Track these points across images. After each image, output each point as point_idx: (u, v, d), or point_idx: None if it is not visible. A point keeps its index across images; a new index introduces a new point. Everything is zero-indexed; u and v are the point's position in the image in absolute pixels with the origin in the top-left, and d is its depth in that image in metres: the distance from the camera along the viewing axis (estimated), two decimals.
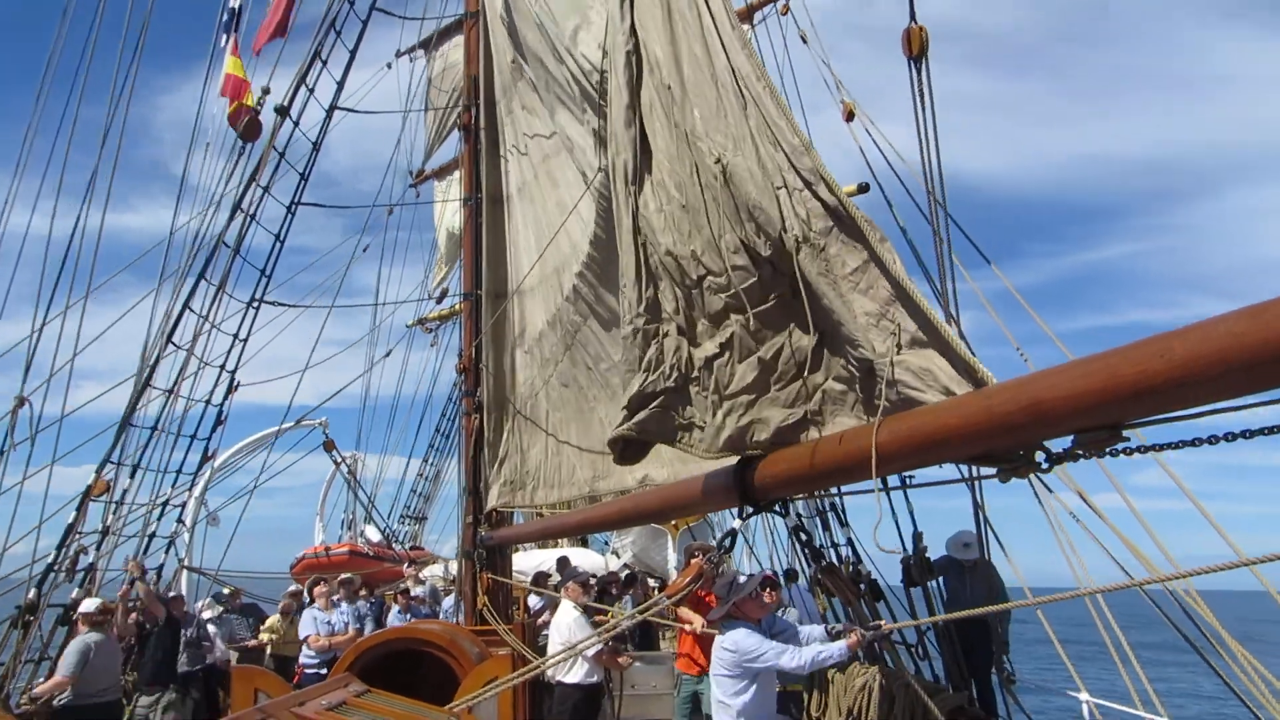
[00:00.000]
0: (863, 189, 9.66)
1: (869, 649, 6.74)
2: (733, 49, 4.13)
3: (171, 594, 10.33)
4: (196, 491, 13.34)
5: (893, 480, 5.73)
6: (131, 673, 9.35)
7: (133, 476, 10.18)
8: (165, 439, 10.36)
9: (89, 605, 8.30)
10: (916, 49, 5.95)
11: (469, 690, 6.52)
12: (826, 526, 8.35)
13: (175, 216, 11.36)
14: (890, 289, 3.50)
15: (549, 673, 7.91)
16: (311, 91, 10.91)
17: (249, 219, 10.48)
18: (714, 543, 11.86)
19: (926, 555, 7.86)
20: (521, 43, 9.01)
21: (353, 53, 11.38)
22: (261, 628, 11.66)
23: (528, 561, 16.87)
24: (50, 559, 9.34)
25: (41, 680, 8.39)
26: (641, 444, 4.50)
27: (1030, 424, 2.77)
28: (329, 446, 14.81)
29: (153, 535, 10.32)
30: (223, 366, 10.69)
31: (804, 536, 6.52)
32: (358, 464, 23.59)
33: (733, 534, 5.01)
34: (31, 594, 9.08)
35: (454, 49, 16.56)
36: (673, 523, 19.31)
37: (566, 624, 8.11)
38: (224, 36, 12.01)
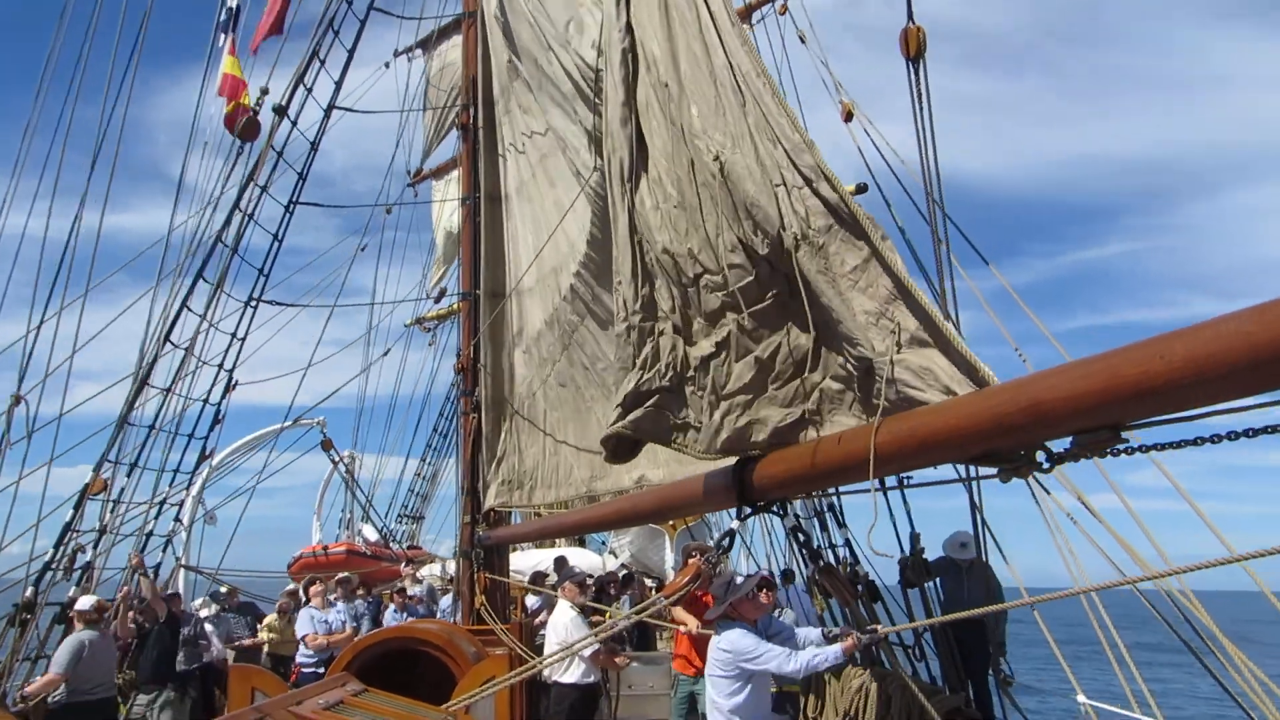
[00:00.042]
0: (861, 189, 9.66)
1: (866, 650, 6.75)
2: (732, 46, 4.12)
3: (169, 592, 10.33)
4: (194, 490, 13.33)
5: (890, 480, 5.74)
6: (128, 671, 9.34)
7: (130, 475, 10.17)
8: (163, 438, 10.35)
9: (85, 603, 8.29)
10: (914, 50, 5.95)
11: (466, 690, 6.52)
12: (824, 527, 8.35)
13: (174, 215, 11.35)
14: (890, 288, 3.48)
15: (546, 672, 7.92)
16: (310, 91, 10.90)
17: (247, 218, 10.46)
18: (712, 543, 11.86)
19: (924, 556, 7.88)
20: (516, 42, 9.02)
21: (351, 52, 11.36)
22: (261, 625, 11.66)
23: (525, 561, 16.87)
24: (47, 557, 9.33)
25: (35, 679, 8.37)
26: (633, 442, 4.49)
27: (1030, 425, 2.77)
28: (327, 445, 14.80)
29: (150, 534, 10.30)
30: (220, 365, 10.68)
31: (802, 537, 6.52)
32: (355, 463, 23.57)
33: (731, 534, 5.01)
34: (29, 592, 9.07)
35: (452, 48, 16.54)
36: (670, 523, 19.31)
37: (563, 624, 8.11)
38: (222, 36, 12.01)
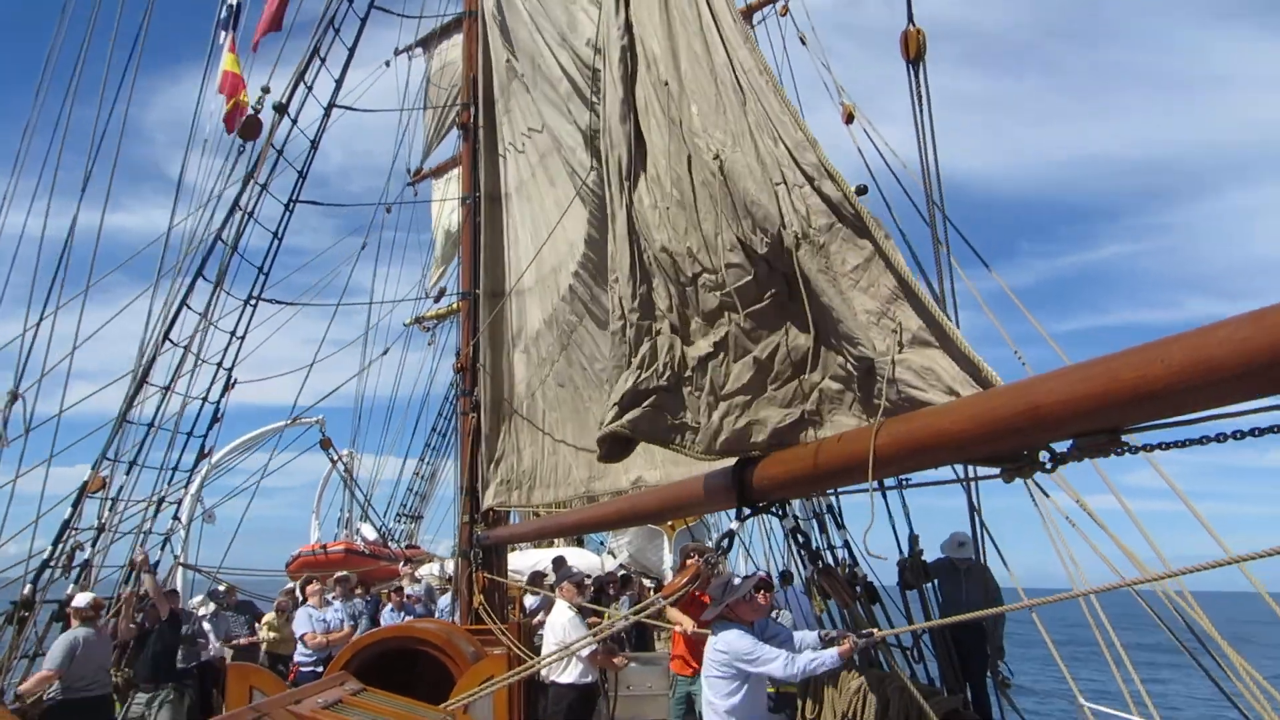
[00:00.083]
0: (861, 191, 9.64)
1: (864, 652, 6.75)
2: (734, 43, 4.10)
3: (167, 589, 10.32)
4: (192, 489, 13.33)
5: (889, 481, 5.74)
6: (126, 669, 9.33)
7: (129, 473, 10.17)
8: (162, 436, 10.35)
9: (81, 600, 8.29)
10: (914, 52, 5.95)
11: (464, 689, 6.53)
12: (823, 528, 8.35)
13: (173, 213, 11.35)
14: (892, 287, 3.47)
15: (544, 672, 7.92)
16: (310, 89, 10.90)
17: (247, 216, 10.46)
18: (711, 544, 11.86)
19: (922, 558, 7.88)
20: (514, 40, 9.02)
21: (351, 51, 11.36)
22: (260, 624, 11.66)
23: (523, 561, 16.87)
24: (46, 555, 9.33)
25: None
26: (626, 441, 4.47)
27: (1029, 428, 2.77)
28: (325, 444, 14.81)
29: (148, 532, 10.30)
30: (219, 364, 10.68)
31: (801, 538, 6.52)
32: (354, 462, 23.58)
33: (730, 535, 5.01)
34: (27, 589, 9.07)
35: (452, 47, 16.56)
36: (669, 524, 19.32)
37: (561, 624, 8.11)
38: (222, 33, 12.00)
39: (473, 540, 10.60)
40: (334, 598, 11.47)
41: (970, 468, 4.05)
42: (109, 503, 9.97)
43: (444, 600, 12.84)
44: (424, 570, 16.31)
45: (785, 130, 3.80)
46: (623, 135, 4.49)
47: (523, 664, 7.20)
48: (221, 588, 12.19)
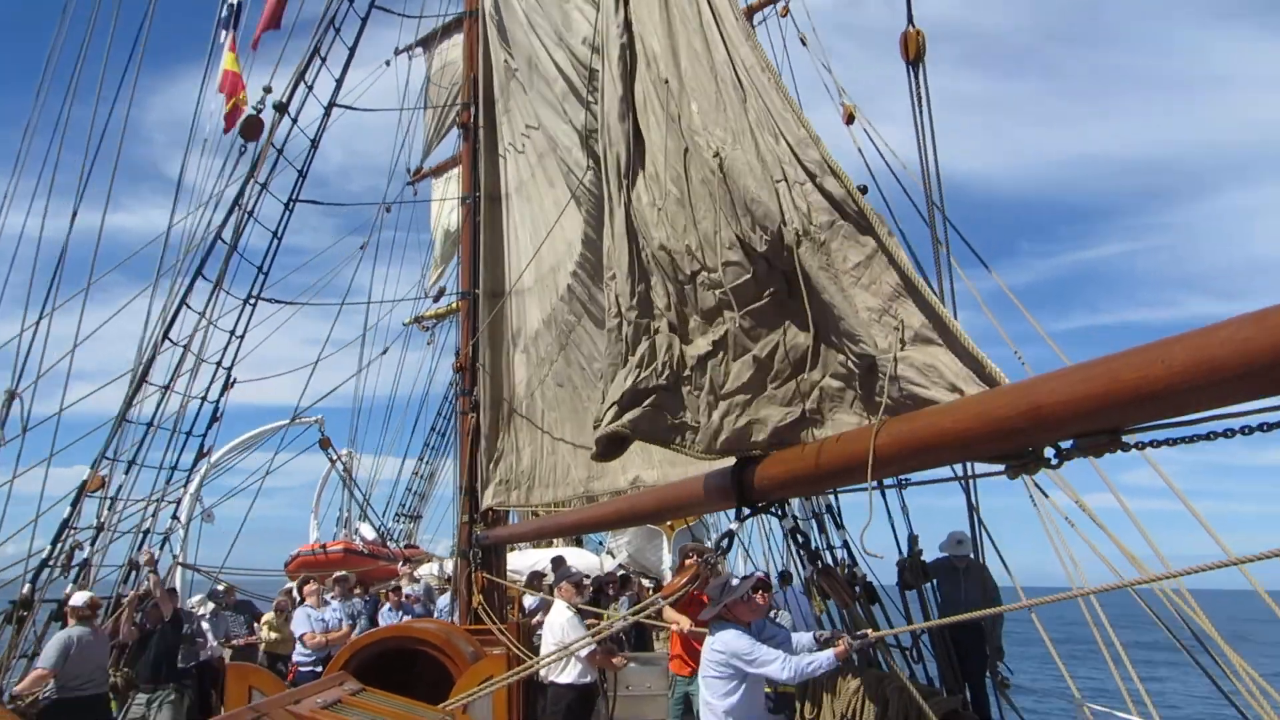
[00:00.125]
0: (860, 191, 9.63)
1: (863, 652, 6.75)
2: (736, 41, 4.09)
3: (165, 588, 10.31)
4: (191, 488, 13.33)
5: (889, 479, 5.74)
6: (126, 668, 9.32)
7: (127, 472, 10.17)
8: (161, 435, 10.35)
9: (78, 599, 8.29)
10: (914, 53, 5.94)
11: (464, 689, 6.53)
12: (822, 529, 8.36)
13: (173, 213, 11.34)
14: (894, 284, 3.45)
15: (543, 673, 7.92)
16: (310, 89, 10.90)
17: (247, 215, 10.46)
18: (711, 544, 11.85)
19: (921, 558, 7.88)
20: (511, 40, 9.02)
21: (352, 50, 11.36)
22: (260, 624, 11.66)
23: (523, 561, 16.87)
24: (45, 554, 9.32)
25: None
26: (621, 440, 4.46)
27: (1030, 428, 2.76)
28: (325, 444, 14.81)
29: (147, 531, 10.30)
30: (219, 363, 10.67)
31: (800, 538, 6.51)
32: (353, 462, 23.58)
33: (730, 535, 5.01)
34: (26, 589, 9.06)
35: (453, 47, 16.55)
36: (668, 524, 19.32)
37: (560, 624, 8.11)
38: (223, 32, 12.00)
39: (472, 540, 10.60)
40: (332, 597, 11.48)
41: (968, 465, 4.05)
42: (108, 502, 9.97)
43: (443, 600, 12.85)
44: (423, 570, 16.32)
45: (787, 127, 3.78)
46: (621, 133, 4.49)
47: (522, 664, 7.20)
48: (220, 587, 12.19)
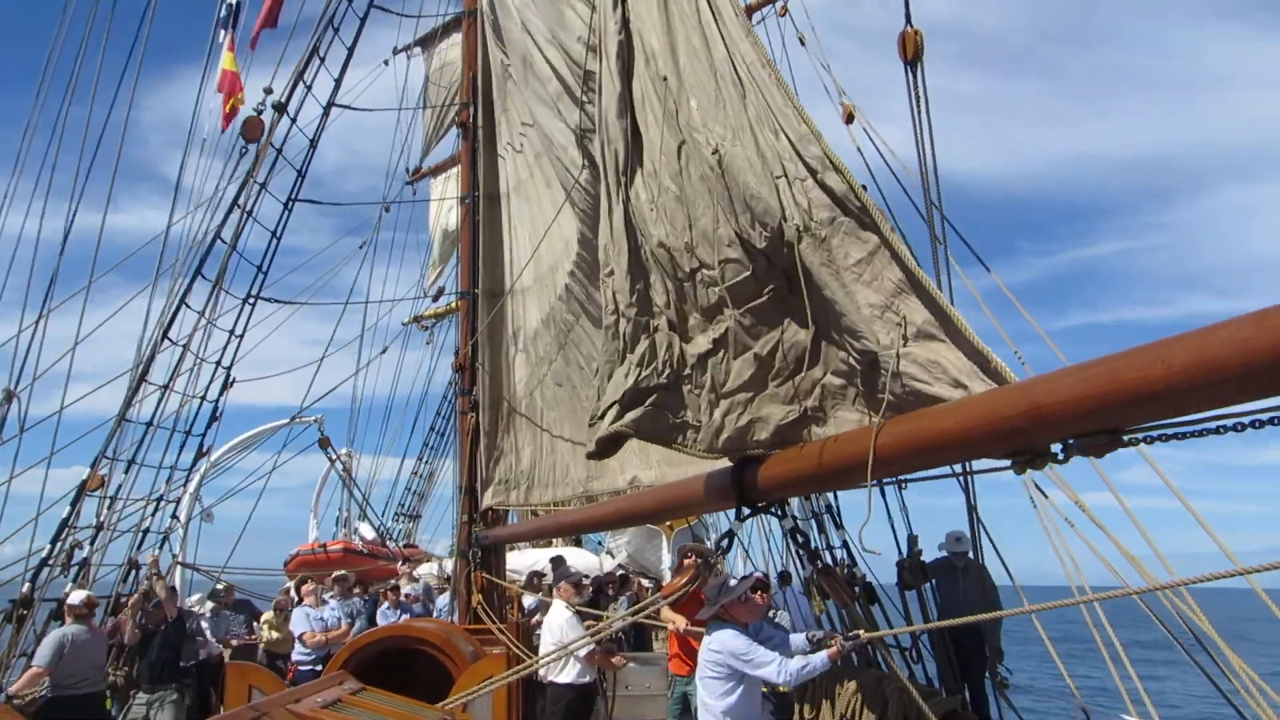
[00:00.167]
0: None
1: (862, 652, 6.75)
2: (737, 37, 4.07)
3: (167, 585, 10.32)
4: (191, 488, 13.33)
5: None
6: (124, 666, 9.33)
7: (127, 472, 10.17)
8: (160, 435, 10.35)
9: (75, 598, 8.29)
10: (912, 53, 5.94)
11: (463, 689, 6.53)
12: (822, 529, 8.36)
13: (172, 212, 11.33)
14: (896, 281, 3.44)
15: (542, 672, 7.92)
16: (309, 89, 10.90)
17: (246, 215, 10.45)
18: (711, 544, 11.84)
19: (921, 558, 7.89)
20: (507, 41, 9.03)
21: (351, 50, 11.35)
22: (259, 622, 11.66)
23: (522, 561, 16.87)
24: (44, 553, 9.33)
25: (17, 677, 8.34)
26: (618, 438, 4.45)
27: (1031, 429, 2.76)
28: (324, 443, 14.81)
29: (147, 531, 10.30)
30: (218, 362, 10.67)
31: (800, 538, 6.52)
32: (352, 461, 23.56)
33: (730, 535, 5.01)
34: (25, 588, 9.06)
35: (451, 47, 16.54)
36: (668, 523, 19.33)
37: (558, 624, 8.11)
38: (222, 32, 12.00)
39: (471, 540, 10.60)
40: (331, 597, 11.48)
41: (967, 464, 4.05)
42: (107, 501, 9.97)
43: (442, 600, 12.85)
44: (423, 570, 16.33)
45: (788, 123, 3.76)
46: (620, 130, 4.47)
47: (521, 663, 7.20)
48: (220, 586, 12.20)
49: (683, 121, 4.14)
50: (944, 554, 8.54)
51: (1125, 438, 2.63)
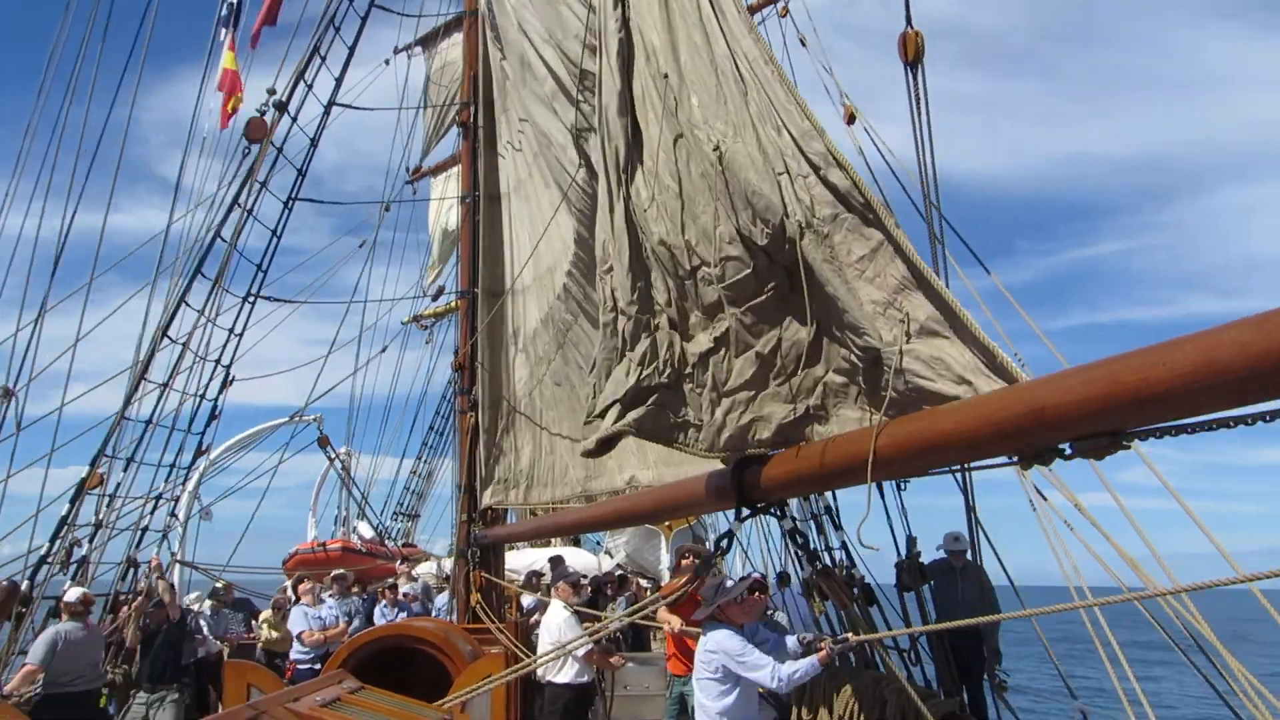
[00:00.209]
0: None
1: (861, 654, 6.75)
2: (739, 33, 4.06)
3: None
4: (190, 486, 13.33)
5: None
6: (122, 664, 9.33)
7: (126, 470, 10.17)
8: (159, 433, 10.35)
9: (71, 595, 8.30)
10: (912, 54, 5.95)
11: (462, 688, 6.53)
12: (821, 530, 8.37)
13: (172, 211, 11.33)
14: (899, 277, 3.42)
15: (540, 672, 7.92)
16: (310, 88, 10.90)
17: (246, 214, 10.46)
18: (710, 544, 11.83)
19: (919, 559, 7.89)
20: (504, 40, 9.03)
21: (351, 49, 11.37)
22: (258, 621, 11.66)
23: (520, 561, 16.88)
24: (43, 551, 9.33)
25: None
26: (616, 436, 4.44)
27: (1032, 431, 2.76)
28: (323, 442, 14.81)
29: (145, 529, 10.30)
30: (218, 361, 10.67)
31: (800, 539, 6.52)
32: (351, 460, 23.56)
33: (730, 536, 5.01)
34: (24, 585, 9.06)
35: (452, 47, 16.55)
36: (666, 524, 19.34)
37: (556, 624, 8.11)
38: (223, 31, 12.01)
39: (470, 539, 10.61)
40: (330, 595, 11.48)
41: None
42: (106, 499, 9.97)
43: (441, 599, 12.85)
44: (422, 569, 16.33)
45: (790, 119, 3.74)
46: (620, 128, 4.47)
47: (519, 662, 7.20)
48: (219, 585, 12.21)
49: (683, 118, 4.13)
50: (942, 555, 8.55)
51: (1125, 440, 2.63)
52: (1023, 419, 2.75)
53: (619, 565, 19.13)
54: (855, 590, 6.98)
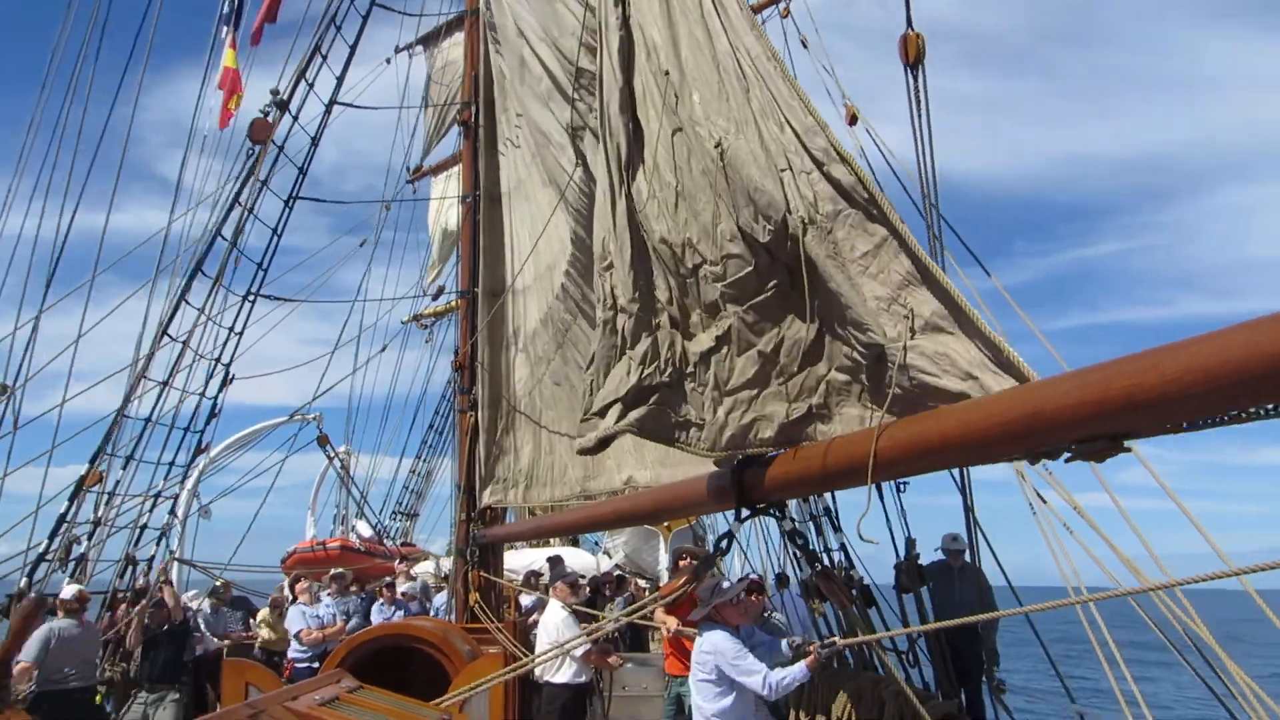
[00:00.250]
0: None
1: (859, 655, 6.75)
2: (741, 30, 4.04)
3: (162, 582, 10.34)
4: (189, 484, 13.33)
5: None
6: (120, 663, 9.33)
7: (125, 468, 10.17)
8: (159, 431, 10.36)
9: (66, 592, 8.31)
10: (913, 56, 5.95)
11: (460, 688, 6.52)
12: (820, 531, 8.37)
13: (172, 210, 11.34)
14: (903, 273, 3.40)
15: (537, 672, 7.93)
16: (311, 86, 10.91)
17: (247, 212, 10.46)
18: (710, 544, 11.81)
19: (918, 561, 7.89)
20: (503, 39, 9.03)
21: (353, 48, 11.37)
22: (255, 620, 11.66)
23: (519, 560, 16.89)
24: (42, 549, 9.34)
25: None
26: (615, 436, 4.43)
27: (1032, 434, 2.76)
28: (323, 441, 14.82)
29: (144, 527, 10.30)
30: (217, 359, 10.68)
31: (800, 540, 6.52)
32: (350, 459, 23.57)
33: (729, 536, 5.01)
34: (22, 583, 9.07)
35: (454, 46, 16.55)
36: (665, 524, 19.35)
37: (554, 624, 8.12)
38: (224, 29, 12.02)
39: (469, 538, 10.61)
40: (328, 594, 11.49)
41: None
42: (105, 497, 9.97)
43: (439, 598, 12.86)
44: (420, 568, 16.34)
45: (794, 115, 3.72)
46: (622, 125, 4.46)
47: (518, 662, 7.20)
48: (218, 583, 12.22)
49: (684, 115, 4.11)
50: (941, 556, 8.55)
51: (1125, 442, 2.63)
52: (1024, 422, 2.74)
53: (617, 566, 19.14)
54: (854, 592, 6.98)
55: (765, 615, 7.79)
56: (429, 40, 17.45)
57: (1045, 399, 2.71)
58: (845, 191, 3.55)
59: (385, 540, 20.15)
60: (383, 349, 20.16)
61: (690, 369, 4.12)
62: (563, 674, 8.00)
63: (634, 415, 4.19)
